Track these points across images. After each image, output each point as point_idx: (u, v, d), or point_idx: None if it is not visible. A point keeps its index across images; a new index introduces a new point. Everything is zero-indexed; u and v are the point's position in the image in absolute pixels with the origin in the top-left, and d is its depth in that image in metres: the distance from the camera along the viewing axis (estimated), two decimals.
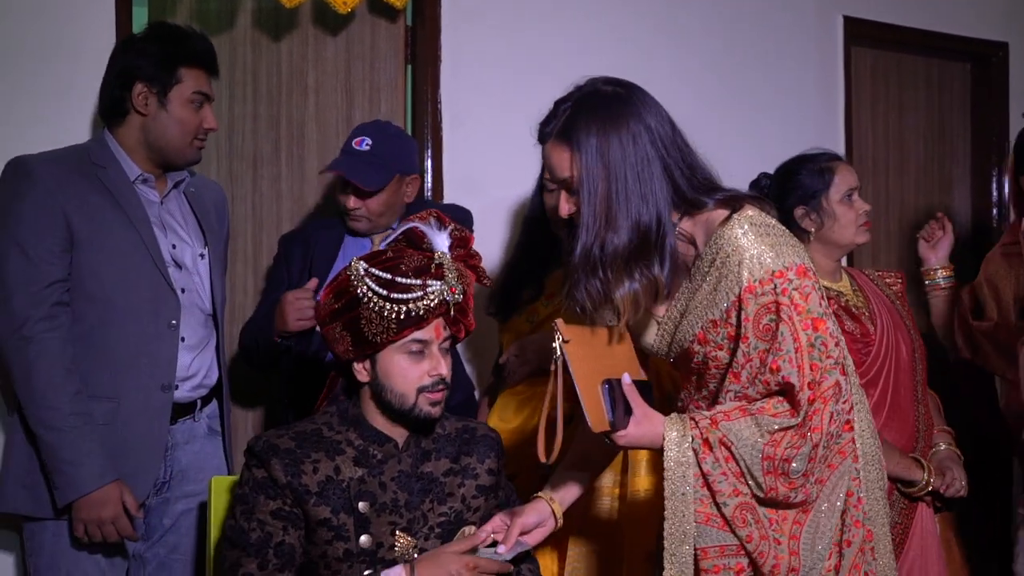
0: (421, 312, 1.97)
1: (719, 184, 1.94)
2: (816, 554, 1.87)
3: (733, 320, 1.86)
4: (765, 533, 1.84)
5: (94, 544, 2.39)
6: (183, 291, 2.50)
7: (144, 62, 2.45)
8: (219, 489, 2.28)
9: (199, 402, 2.57)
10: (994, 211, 4.30)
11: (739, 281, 1.83)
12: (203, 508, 2.45)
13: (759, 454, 1.81)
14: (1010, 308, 2.82)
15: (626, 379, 1.87)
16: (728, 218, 1.86)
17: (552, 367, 1.89)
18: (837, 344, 1.84)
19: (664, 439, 1.84)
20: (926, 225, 3.04)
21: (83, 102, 2.79)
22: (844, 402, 1.85)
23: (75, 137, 2.67)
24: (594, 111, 1.85)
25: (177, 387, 2.48)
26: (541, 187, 2.71)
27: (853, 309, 2.65)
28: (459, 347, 3.05)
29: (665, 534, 1.85)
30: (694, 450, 1.83)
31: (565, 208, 1.89)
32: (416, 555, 2.01)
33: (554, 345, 1.86)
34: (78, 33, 2.82)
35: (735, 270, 1.84)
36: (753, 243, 1.83)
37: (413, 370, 2.00)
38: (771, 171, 2.77)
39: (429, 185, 3.27)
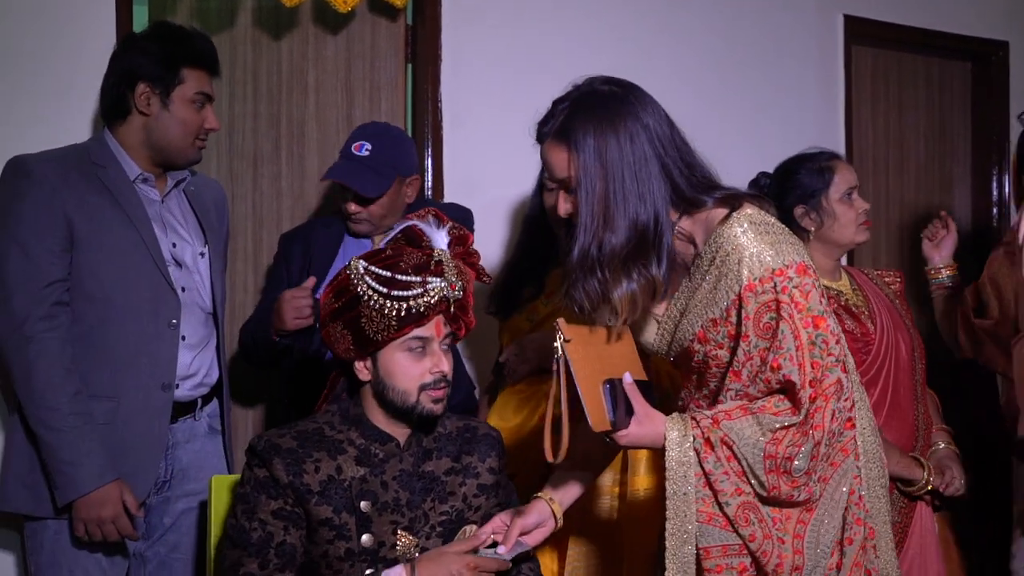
0: (422, 309, 1.97)
1: (718, 183, 1.94)
2: (820, 552, 1.87)
3: (733, 318, 1.85)
4: (768, 532, 1.84)
5: (94, 543, 2.39)
6: (183, 290, 2.50)
7: (146, 62, 2.45)
8: (219, 488, 2.28)
9: (199, 401, 2.57)
10: (994, 210, 4.29)
11: (739, 279, 1.83)
12: (203, 507, 2.45)
13: (761, 453, 1.80)
14: (1012, 306, 2.83)
15: (627, 378, 1.86)
16: (727, 217, 1.86)
17: (553, 367, 1.88)
18: (838, 342, 1.84)
19: (665, 439, 1.84)
20: (929, 224, 3.05)
21: (83, 102, 2.79)
22: (846, 400, 1.84)
23: (75, 137, 2.67)
24: (591, 111, 1.85)
25: (177, 386, 2.48)
26: (541, 186, 2.71)
27: (853, 308, 2.65)
28: (459, 346, 3.05)
29: (667, 534, 1.84)
30: (696, 450, 1.83)
31: (563, 208, 1.89)
32: (417, 554, 2.01)
33: (555, 344, 1.86)
34: (78, 33, 2.82)
35: (735, 268, 1.83)
36: (753, 241, 1.83)
37: (414, 368, 2.00)
38: (771, 170, 2.78)
39: (429, 184, 3.27)
